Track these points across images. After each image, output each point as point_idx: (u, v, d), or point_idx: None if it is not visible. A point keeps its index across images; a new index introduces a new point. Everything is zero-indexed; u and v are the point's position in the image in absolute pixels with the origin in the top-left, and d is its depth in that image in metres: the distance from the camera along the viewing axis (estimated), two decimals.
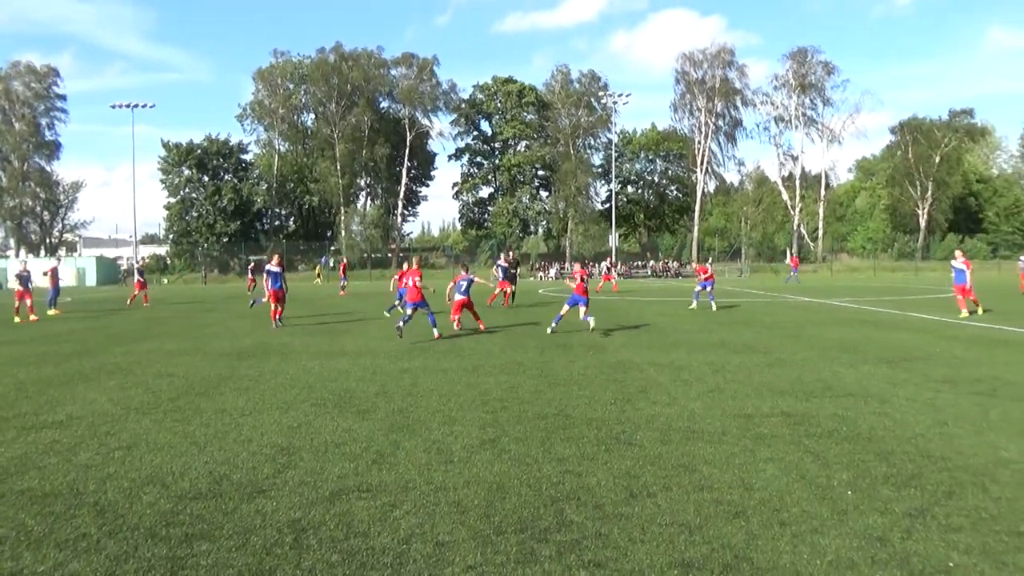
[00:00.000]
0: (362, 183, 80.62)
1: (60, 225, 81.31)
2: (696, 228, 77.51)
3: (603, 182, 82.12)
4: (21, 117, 74.73)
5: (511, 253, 32.54)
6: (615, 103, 73.26)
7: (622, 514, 4.60)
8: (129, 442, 6.57)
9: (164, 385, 9.61)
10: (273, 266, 18.18)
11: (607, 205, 78.23)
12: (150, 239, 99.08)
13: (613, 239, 71.83)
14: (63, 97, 78.46)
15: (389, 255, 74.48)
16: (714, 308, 21.96)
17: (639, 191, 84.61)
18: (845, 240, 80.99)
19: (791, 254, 66.85)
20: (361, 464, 5.74)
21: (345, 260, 45.45)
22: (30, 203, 76.39)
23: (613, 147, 75.23)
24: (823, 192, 76.59)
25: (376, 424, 7.12)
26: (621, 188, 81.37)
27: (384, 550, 4.07)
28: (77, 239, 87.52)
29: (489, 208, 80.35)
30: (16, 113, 74.76)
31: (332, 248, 74.90)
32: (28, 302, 21.17)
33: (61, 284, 25.98)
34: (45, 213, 78.90)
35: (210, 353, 12.97)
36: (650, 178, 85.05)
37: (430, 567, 3.86)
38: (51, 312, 23.77)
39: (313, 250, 74.79)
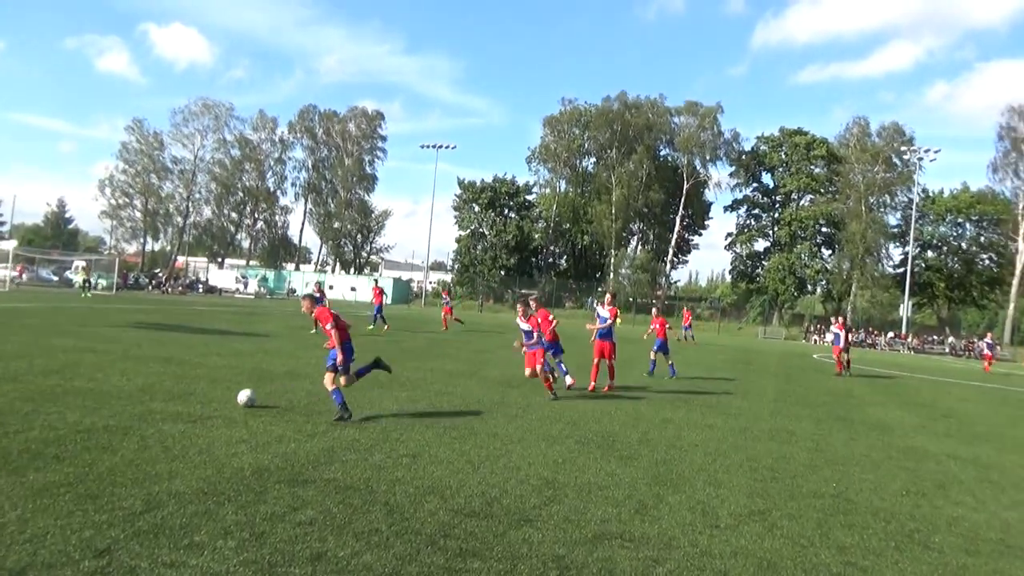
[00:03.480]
0: (634, 227, 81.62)
1: (368, 247, 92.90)
2: (1012, 304, 66.88)
3: (897, 244, 74.40)
4: (351, 154, 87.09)
5: (840, 318, 25.47)
6: (920, 159, 66.23)
7: None
8: (414, 451, 7.20)
9: (444, 402, 10.43)
10: (603, 309, 13.41)
11: (901, 270, 70.62)
12: (438, 266, 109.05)
13: (906, 308, 64.56)
14: (384, 138, 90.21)
15: (654, 300, 74.28)
16: None
17: (941, 257, 75.11)
18: None
19: None
20: (624, 512, 5.70)
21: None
22: (348, 227, 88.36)
23: (914, 207, 67.94)
24: None
25: (639, 472, 7.05)
26: (919, 252, 73.00)
27: None
28: (380, 261, 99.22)
29: (763, 262, 76.67)
30: (347, 151, 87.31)
31: (599, 289, 76.52)
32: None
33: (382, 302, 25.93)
34: (359, 236, 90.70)
35: (484, 378, 13.84)
36: (956, 244, 75.23)
37: None
38: (370, 328, 25.33)
39: (582, 289, 77.05)
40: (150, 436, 6.94)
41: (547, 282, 79.38)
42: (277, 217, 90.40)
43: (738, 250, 79.78)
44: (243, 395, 8.70)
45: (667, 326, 18.34)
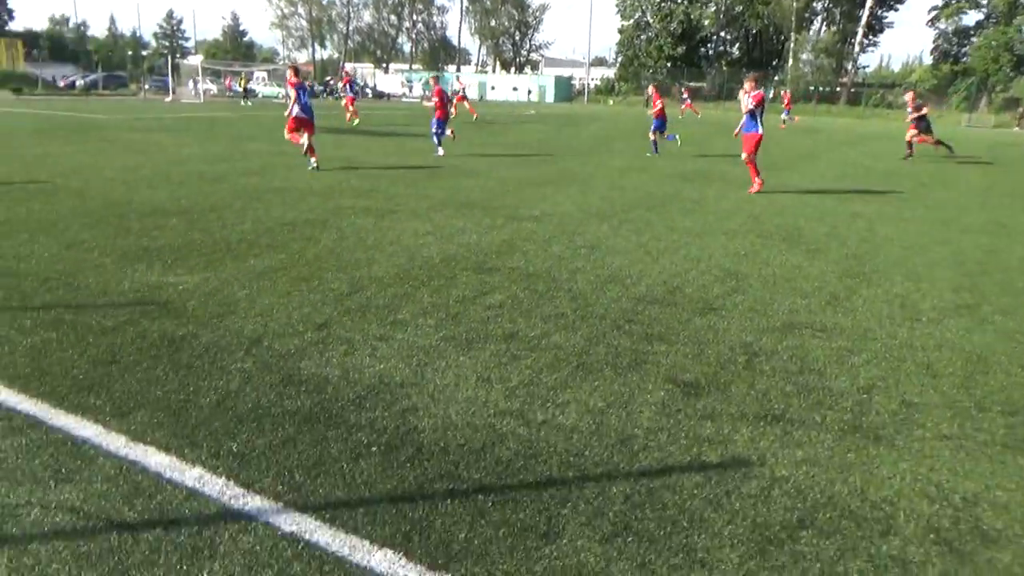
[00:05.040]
0: (818, 6, 72.65)
1: (528, 45, 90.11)
2: None
3: None
4: None
5: (911, 94, 21.69)
6: None
7: None
8: (591, 243, 7.24)
9: (617, 196, 10.30)
10: (748, 96, 11.42)
11: None
12: (599, 62, 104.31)
13: None
14: None
15: (839, 89, 67.46)
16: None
17: None
18: None
19: None
20: (813, 302, 5.49)
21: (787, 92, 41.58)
22: (506, 24, 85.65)
23: None
24: None
25: (828, 266, 6.70)
26: None
27: (843, 394, 3.88)
28: (540, 59, 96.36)
29: (972, 39, 66.49)
30: None
31: (775, 78, 70.37)
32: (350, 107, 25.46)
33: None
34: (516, 33, 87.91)
35: (655, 173, 13.46)
36: None
37: (895, 424, 3.57)
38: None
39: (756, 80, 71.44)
40: (345, 228, 7.44)
41: (717, 73, 73.96)
42: (435, 18, 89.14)
43: (942, 26, 69.36)
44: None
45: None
